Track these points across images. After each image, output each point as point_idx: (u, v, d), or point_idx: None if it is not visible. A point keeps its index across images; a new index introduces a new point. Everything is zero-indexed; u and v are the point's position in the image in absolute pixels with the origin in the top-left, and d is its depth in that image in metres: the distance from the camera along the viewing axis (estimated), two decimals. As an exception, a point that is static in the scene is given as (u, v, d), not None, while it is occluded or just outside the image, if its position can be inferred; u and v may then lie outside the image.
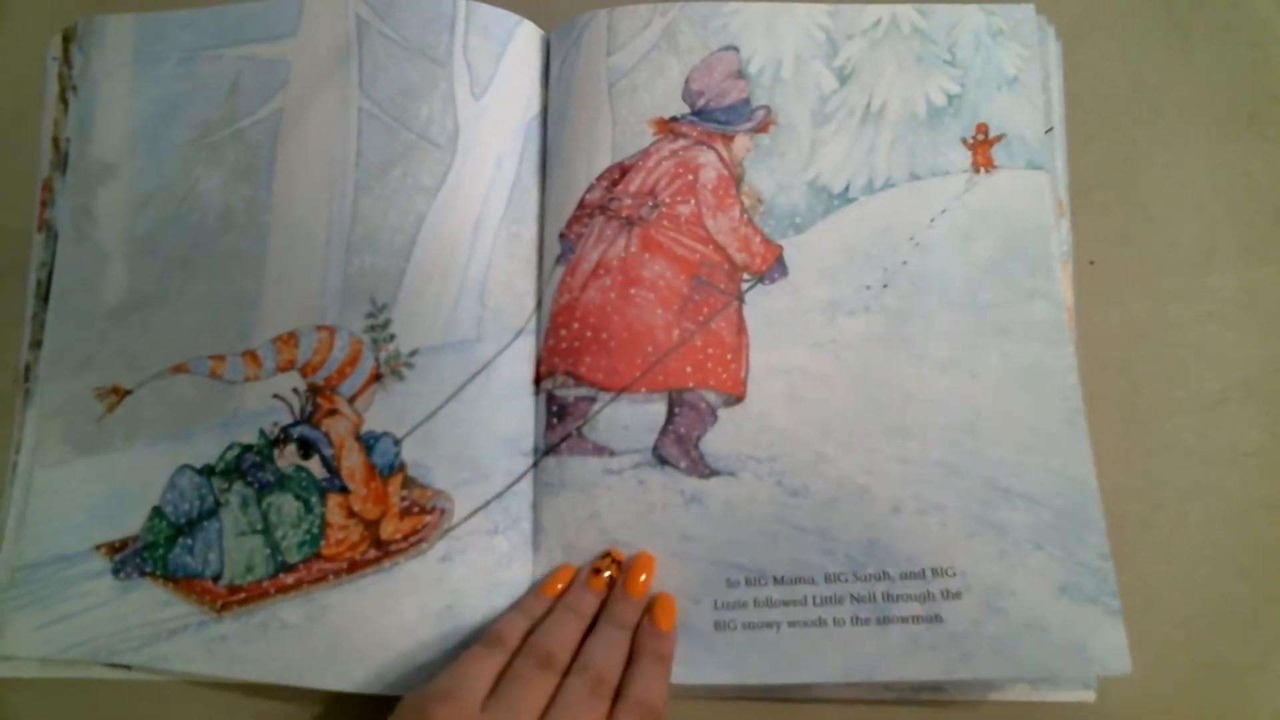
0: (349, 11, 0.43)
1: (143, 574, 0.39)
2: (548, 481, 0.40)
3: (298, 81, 0.43)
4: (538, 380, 0.41)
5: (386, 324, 0.41)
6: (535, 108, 0.44)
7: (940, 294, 0.41)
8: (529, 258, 0.43)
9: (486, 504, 0.39)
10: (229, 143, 0.43)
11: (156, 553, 0.39)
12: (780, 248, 0.42)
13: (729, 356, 0.41)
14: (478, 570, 0.39)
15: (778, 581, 0.38)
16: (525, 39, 0.44)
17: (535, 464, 0.40)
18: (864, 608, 0.37)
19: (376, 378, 0.40)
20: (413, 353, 0.40)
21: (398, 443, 0.40)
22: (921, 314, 0.41)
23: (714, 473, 0.39)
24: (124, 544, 0.40)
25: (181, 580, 0.39)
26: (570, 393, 0.41)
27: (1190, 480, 0.41)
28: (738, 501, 0.39)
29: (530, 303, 0.42)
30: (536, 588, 0.38)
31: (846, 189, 0.42)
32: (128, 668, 0.39)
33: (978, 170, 0.42)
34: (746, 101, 0.43)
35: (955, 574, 0.37)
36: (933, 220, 0.42)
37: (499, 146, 0.43)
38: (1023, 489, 0.38)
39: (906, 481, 0.39)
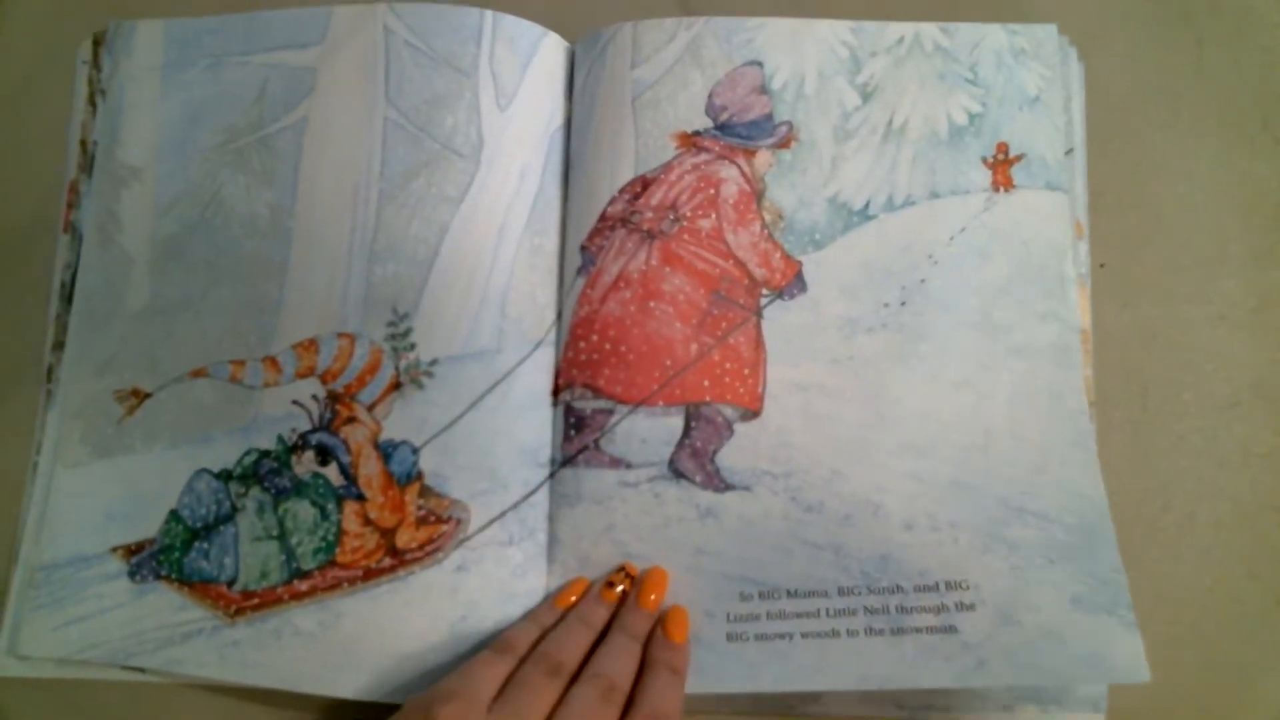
0: (377, 21, 0.44)
1: (158, 577, 0.39)
2: (564, 493, 0.40)
3: (324, 89, 0.43)
4: (556, 392, 0.41)
5: (407, 333, 0.41)
6: (559, 119, 0.44)
7: (956, 313, 0.41)
8: (550, 269, 0.43)
9: (503, 514, 0.39)
10: (254, 149, 0.43)
11: (172, 556, 0.39)
12: (800, 264, 0.42)
13: (747, 371, 0.41)
14: (492, 581, 0.39)
15: (791, 595, 0.38)
16: (551, 51, 0.45)
17: (552, 475, 0.40)
18: (878, 619, 0.37)
19: (396, 386, 0.40)
20: (433, 362, 0.40)
21: (416, 451, 0.40)
22: (937, 333, 0.41)
23: (729, 487, 0.39)
24: (140, 546, 0.40)
25: (196, 584, 0.39)
26: (588, 405, 0.40)
27: (1199, 482, 0.41)
28: (752, 516, 0.39)
29: (551, 314, 0.42)
30: (549, 599, 0.38)
31: (867, 206, 0.42)
32: (141, 670, 0.39)
33: (997, 189, 0.42)
34: (769, 117, 0.43)
35: (969, 587, 0.37)
36: (952, 239, 0.42)
37: (523, 158, 0.43)
38: (1035, 507, 0.38)
39: (919, 499, 0.39)
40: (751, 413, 0.40)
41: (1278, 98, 0.45)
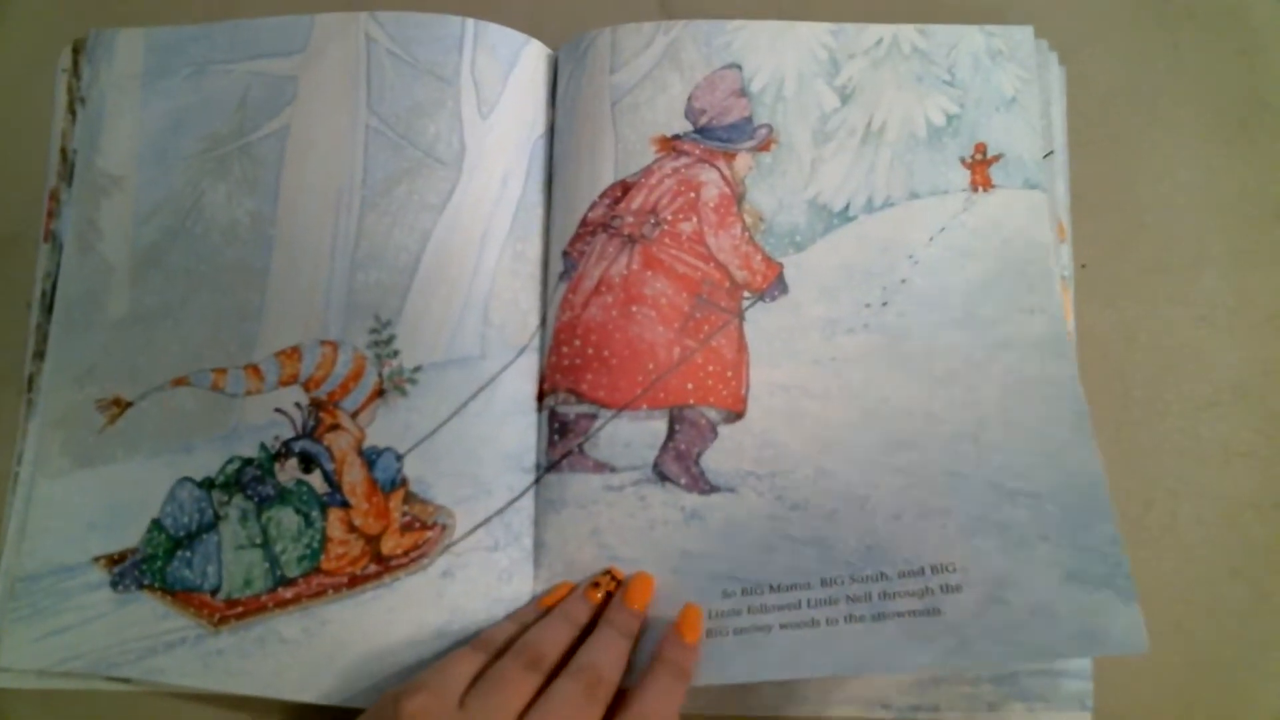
0: (359, 29, 0.44)
1: (141, 586, 0.39)
2: (549, 498, 0.40)
3: (306, 97, 0.43)
4: (540, 397, 0.41)
5: (390, 340, 0.41)
6: (541, 126, 0.45)
7: (940, 311, 0.41)
8: (533, 275, 0.43)
9: (488, 520, 0.39)
10: (236, 157, 0.43)
11: (155, 565, 0.39)
12: (781, 266, 0.42)
13: (729, 374, 0.41)
14: (478, 586, 0.39)
15: (773, 589, 0.38)
16: (533, 58, 0.45)
17: (537, 481, 0.40)
18: (859, 606, 0.37)
19: (379, 393, 0.40)
20: (416, 369, 0.40)
21: (400, 458, 0.40)
22: (921, 331, 0.41)
23: (714, 489, 0.39)
24: (123, 556, 0.40)
25: (179, 593, 0.39)
26: (572, 410, 0.41)
27: (1182, 481, 0.41)
28: (738, 517, 0.39)
29: (534, 320, 0.42)
30: (533, 601, 0.38)
31: (847, 208, 0.43)
32: (126, 680, 0.39)
33: (976, 189, 0.43)
34: (749, 120, 0.43)
35: (955, 570, 0.37)
36: (932, 239, 0.42)
37: (505, 165, 0.43)
38: (1028, 489, 0.38)
39: (908, 490, 0.38)
40: (735, 414, 0.40)
41: (1255, 99, 0.46)
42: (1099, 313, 0.43)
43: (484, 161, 0.43)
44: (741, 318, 0.42)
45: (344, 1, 0.45)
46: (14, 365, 0.43)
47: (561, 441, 0.40)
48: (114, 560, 0.40)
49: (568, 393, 0.41)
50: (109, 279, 0.43)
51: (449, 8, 0.44)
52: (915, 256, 0.42)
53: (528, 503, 0.40)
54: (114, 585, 0.39)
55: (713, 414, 0.40)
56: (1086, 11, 0.48)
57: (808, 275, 0.42)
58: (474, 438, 0.40)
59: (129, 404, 0.41)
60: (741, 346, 0.41)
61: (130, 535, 0.40)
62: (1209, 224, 0.44)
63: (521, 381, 0.41)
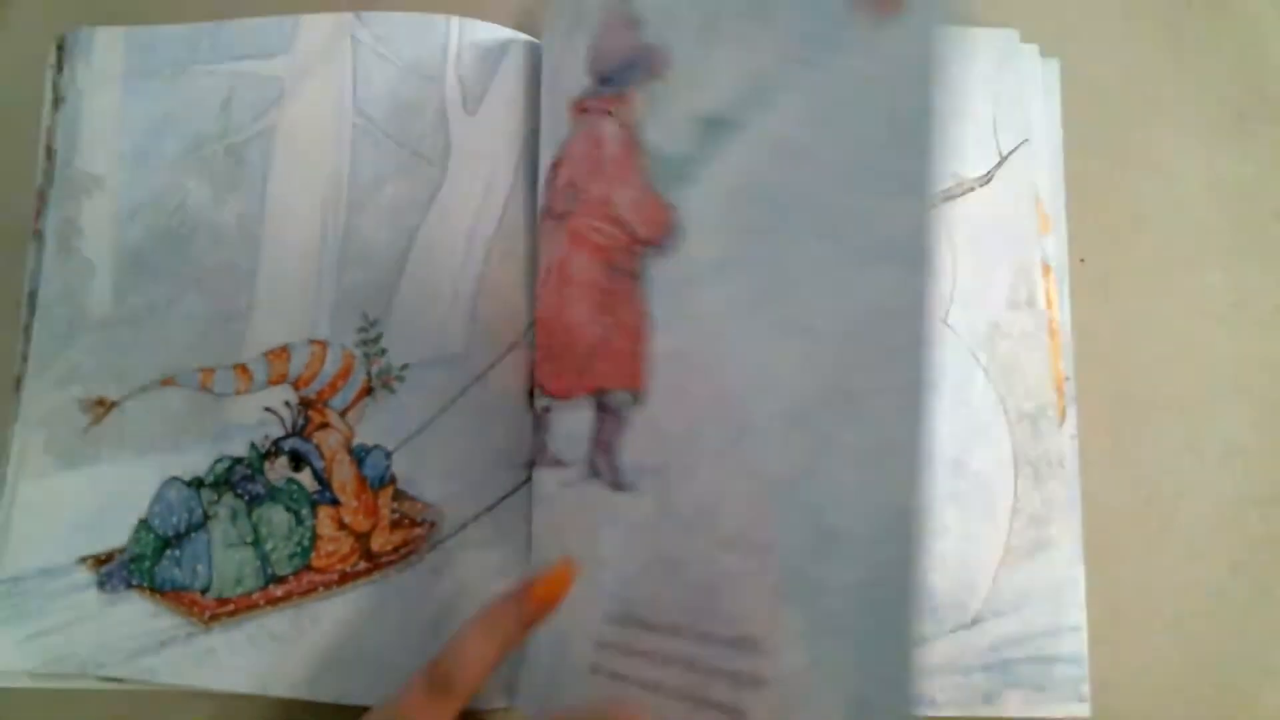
0: (343, 29, 0.44)
1: (129, 586, 0.39)
2: (537, 495, 0.40)
3: (291, 98, 0.43)
4: (532, 393, 0.42)
5: (378, 338, 0.41)
6: (532, 121, 0.44)
7: (813, 214, 0.29)
8: (521, 272, 0.43)
9: (477, 517, 0.40)
10: (221, 157, 0.43)
11: (143, 565, 0.39)
12: (672, 208, 0.34)
13: (631, 347, 0.35)
14: (469, 583, 0.39)
15: (646, 627, 0.31)
16: (521, 52, 0.44)
17: (527, 478, 0.41)
18: (689, 677, 0.29)
19: (368, 391, 0.41)
20: (404, 366, 0.41)
21: (388, 456, 0.40)
22: (795, 256, 0.29)
23: (623, 486, 0.34)
24: (109, 556, 0.39)
25: (169, 593, 0.39)
26: (539, 403, 0.40)
27: (1180, 477, 0.41)
28: (637, 523, 0.33)
29: (523, 317, 0.42)
30: (520, 587, 0.32)
31: (735, 112, 0.31)
32: (120, 680, 0.39)
33: (884, 12, 0.26)
34: (639, 49, 0.36)
35: (765, 653, 0.27)
36: (821, 111, 0.28)
37: (491, 161, 0.43)
38: (848, 527, 0.26)
39: (748, 507, 0.29)
40: (636, 394, 0.34)
41: (1255, 92, 0.45)
42: (1097, 308, 0.43)
43: (470, 159, 0.43)
44: (639, 279, 0.35)
45: (335, 1, 0.45)
46: (7, 367, 0.42)
47: (535, 437, 0.40)
48: (100, 561, 0.39)
49: (538, 386, 0.40)
50: (90, 279, 0.42)
51: (448, 5, 0.43)
52: (798, 144, 0.29)
53: (519, 500, 0.40)
54: (100, 585, 0.39)
55: (621, 396, 0.35)
56: (1083, 2, 0.46)
57: (700, 212, 0.33)
58: (462, 435, 0.40)
59: (114, 404, 0.41)
60: (642, 313, 0.34)
61: (117, 535, 0.40)
62: (1209, 218, 0.44)
63: (512, 378, 0.41)
